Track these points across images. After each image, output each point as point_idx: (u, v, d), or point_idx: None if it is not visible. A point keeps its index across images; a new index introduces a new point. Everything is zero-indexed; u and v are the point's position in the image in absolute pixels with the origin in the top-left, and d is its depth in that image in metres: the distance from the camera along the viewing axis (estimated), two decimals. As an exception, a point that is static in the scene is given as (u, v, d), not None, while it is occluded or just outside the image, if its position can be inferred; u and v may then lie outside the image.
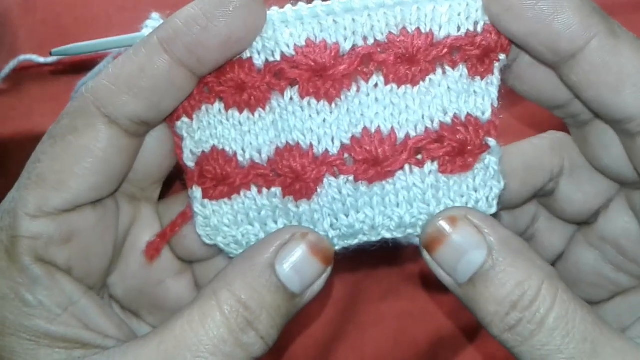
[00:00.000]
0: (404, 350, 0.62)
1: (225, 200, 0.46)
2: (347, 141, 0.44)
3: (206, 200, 0.46)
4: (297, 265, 0.42)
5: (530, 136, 0.64)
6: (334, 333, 0.63)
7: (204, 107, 0.45)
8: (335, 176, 0.44)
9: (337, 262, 0.64)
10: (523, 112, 0.66)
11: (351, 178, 0.44)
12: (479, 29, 0.42)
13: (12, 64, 0.66)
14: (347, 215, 0.45)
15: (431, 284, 0.63)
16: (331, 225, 0.45)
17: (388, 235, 0.46)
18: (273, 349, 0.63)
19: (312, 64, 0.42)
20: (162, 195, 0.51)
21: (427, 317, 0.62)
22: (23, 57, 0.65)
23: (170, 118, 0.45)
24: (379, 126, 0.44)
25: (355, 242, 0.46)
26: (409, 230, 0.45)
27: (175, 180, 0.51)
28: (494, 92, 0.44)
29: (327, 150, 0.44)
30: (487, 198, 0.45)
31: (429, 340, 0.62)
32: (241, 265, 0.42)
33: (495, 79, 0.44)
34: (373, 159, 0.44)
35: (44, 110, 0.65)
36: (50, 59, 0.65)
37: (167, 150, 0.47)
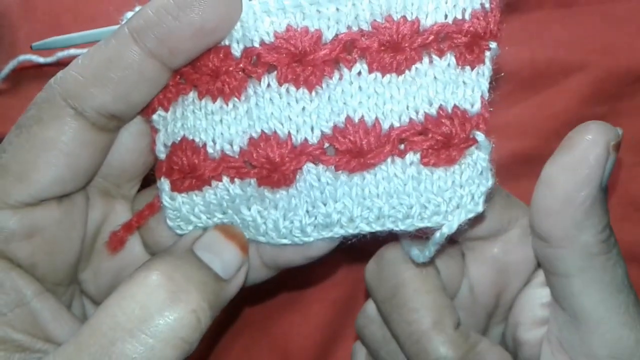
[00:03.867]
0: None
1: (196, 192, 0.45)
2: (328, 130, 0.42)
3: (175, 193, 0.45)
4: (215, 247, 0.42)
5: (528, 137, 0.64)
6: (333, 334, 0.63)
7: (180, 98, 0.43)
8: (315, 164, 0.43)
9: (337, 263, 0.64)
10: (522, 113, 0.66)
11: (332, 167, 0.43)
12: (467, 16, 0.41)
13: (12, 64, 0.65)
14: (325, 204, 0.43)
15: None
16: (307, 212, 0.44)
17: (367, 229, 0.44)
18: (272, 351, 0.63)
19: (292, 48, 0.41)
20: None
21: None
22: (23, 57, 0.65)
23: (147, 111, 0.44)
24: (362, 116, 0.42)
25: (330, 234, 0.44)
26: (388, 224, 0.43)
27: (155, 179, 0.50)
28: (484, 83, 0.42)
29: (306, 139, 0.42)
30: (473, 195, 0.43)
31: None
32: (159, 255, 0.42)
33: (486, 69, 0.42)
34: (357, 150, 0.42)
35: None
36: (50, 59, 0.65)
37: (144, 146, 0.46)
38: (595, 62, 0.65)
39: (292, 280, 0.63)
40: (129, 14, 0.42)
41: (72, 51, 0.64)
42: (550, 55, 0.66)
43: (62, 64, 0.65)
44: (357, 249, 0.63)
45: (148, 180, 0.49)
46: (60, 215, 0.43)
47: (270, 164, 0.42)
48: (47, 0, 0.69)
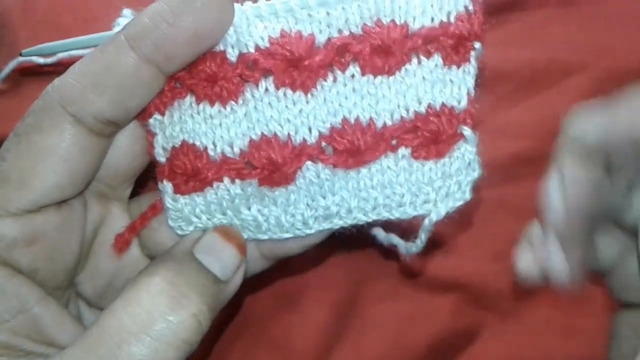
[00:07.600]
0: (404, 352, 0.62)
1: (198, 193, 0.46)
2: (325, 131, 0.44)
3: (178, 195, 0.46)
4: (214, 249, 0.44)
5: (528, 137, 0.64)
6: (332, 335, 0.63)
7: (176, 103, 0.44)
8: (314, 162, 0.45)
9: (336, 263, 0.64)
10: (522, 113, 0.66)
11: (330, 165, 0.45)
12: (452, 19, 0.43)
13: (12, 64, 0.65)
14: (324, 198, 0.46)
15: (431, 285, 0.63)
16: (307, 205, 0.46)
17: (364, 218, 0.46)
18: (272, 351, 0.63)
19: (288, 54, 0.42)
20: (135, 195, 0.50)
21: (426, 319, 0.62)
22: (23, 58, 0.65)
23: (143, 116, 0.45)
24: (357, 116, 0.44)
25: (330, 225, 0.46)
26: (384, 213, 0.46)
27: (148, 179, 0.51)
28: (470, 80, 0.45)
29: (304, 139, 0.44)
30: (461, 185, 0.46)
31: (429, 342, 0.61)
32: (161, 258, 0.43)
33: (472, 67, 0.45)
34: (355, 149, 0.44)
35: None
36: (50, 60, 0.65)
37: (139, 149, 0.46)
38: (595, 62, 0.65)
39: (292, 280, 0.63)
40: (121, 20, 0.43)
41: (74, 52, 0.64)
42: (550, 55, 0.66)
43: (62, 64, 0.65)
44: (358, 250, 0.63)
45: (138, 181, 0.50)
46: (59, 220, 0.43)
47: (273, 165, 0.44)
48: (48, 0, 0.69)
